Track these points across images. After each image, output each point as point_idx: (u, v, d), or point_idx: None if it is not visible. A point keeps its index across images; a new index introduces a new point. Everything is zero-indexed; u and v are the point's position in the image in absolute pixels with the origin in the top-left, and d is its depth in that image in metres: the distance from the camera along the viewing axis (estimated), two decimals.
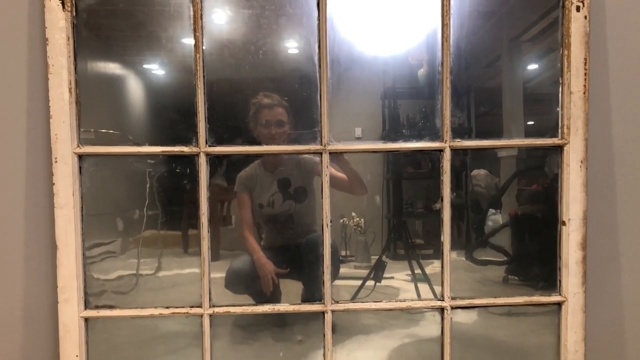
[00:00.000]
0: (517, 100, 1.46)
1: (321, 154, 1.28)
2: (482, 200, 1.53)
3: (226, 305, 1.30)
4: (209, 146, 1.27)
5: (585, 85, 1.27)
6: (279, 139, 1.36)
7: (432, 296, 1.40)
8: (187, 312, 1.28)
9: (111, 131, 1.36)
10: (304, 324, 1.41)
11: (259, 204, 1.42)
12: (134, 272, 1.41)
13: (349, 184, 1.37)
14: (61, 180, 1.23)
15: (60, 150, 1.23)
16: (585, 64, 1.27)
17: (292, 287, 1.45)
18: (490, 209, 1.56)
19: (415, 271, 1.54)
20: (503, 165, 1.52)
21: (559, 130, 1.30)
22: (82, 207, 1.26)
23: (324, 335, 1.30)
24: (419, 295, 1.49)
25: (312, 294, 1.36)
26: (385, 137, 1.46)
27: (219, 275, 1.36)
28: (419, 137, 1.34)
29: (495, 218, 1.58)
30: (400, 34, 1.37)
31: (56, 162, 1.23)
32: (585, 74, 1.27)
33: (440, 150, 1.29)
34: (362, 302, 1.35)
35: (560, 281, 1.32)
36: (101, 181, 1.30)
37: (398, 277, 1.57)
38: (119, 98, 1.39)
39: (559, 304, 1.32)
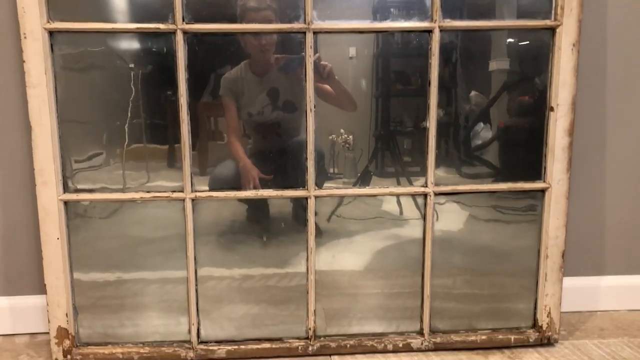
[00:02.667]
0: (510, 11, 1.40)
1: (305, 33, 1.22)
2: (471, 118, 1.50)
3: (208, 191, 1.28)
4: (186, 23, 1.21)
5: None
6: (269, 48, 1.30)
7: (415, 209, 1.39)
8: (169, 197, 1.27)
9: None
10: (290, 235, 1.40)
11: (248, 113, 1.37)
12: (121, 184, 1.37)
13: (336, 99, 1.33)
14: (32, 58, 1.17)
15: (29, 26, 1.16)
16: None
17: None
18: (480, 124, 1.53)
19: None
20: (494, 79, 1.48)
21: (552, 12, 1.25)
22: (55, 87, 1.21)
23: (307, 220, 1.30)
24: (401, 208, 1.48)
25: (299, 199, 1.36)
26: (378, 55, 1.40)
27: (206, 188, 1.33)
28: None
29: (484, 134, 1.56)
30: None
31: (25, 38, 1.16)
32: None
33: (429, 31, 1.25)
34: (344, 188, 1.34)
35: (545, 168, 1.31)
36: (74, 62, 1.24)
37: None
38: None
39: (542, 191, 1.32)
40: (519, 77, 1.44)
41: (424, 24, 1.25)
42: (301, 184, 1.31)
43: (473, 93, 1.45)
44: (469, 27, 1.27)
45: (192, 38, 1.23)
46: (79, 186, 1.27)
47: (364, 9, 1.30)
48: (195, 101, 1.26)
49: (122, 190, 1.28)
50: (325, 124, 1.30)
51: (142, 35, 1.23)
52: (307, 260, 1.31)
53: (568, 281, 1.48)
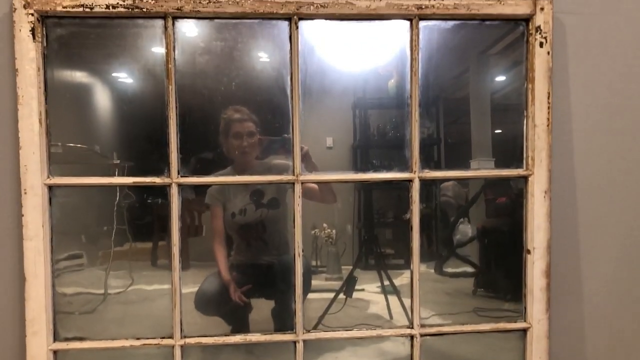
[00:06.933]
0: (485, 110, 1.50)
1: (293, 184, 1.29)
2: (451, 211, 1.56)
3: (197, 336, 1.30)
4: (182, 177, 1.27)
5: (548, 118, 1.31)
6: (250, 150, 1.38)
7: (401, 310, 1.42)
8: (159, 344, 1.28)
9: (79, 145, 1.35)
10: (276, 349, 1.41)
11: (232, 213, 1.42)
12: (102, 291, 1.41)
13: (319, 194, 1.39)
14: (30, 212, 1.22)
15: (29, 182, 1.22)
16: (548, 97, 1.31)
17: (262, 303, 1.45)
18: (459, 220, 1.59)
19: (385, 283, 1.56)
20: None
21: (524, 162, 1.34)
22: (51, 239, 1.25)
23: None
24: (389, 308, 1.49)
25: (283, 310, 1.39)
26: (357, 147, 1.48)
27: (189, 290, 1.35)
28: (390, 162, 1.38)
29: (464, 228, 1.61)
30: (371, 53, 1.39)
31: (25, 193, 1.22)
32: (548, 108, 1.31)
33: (410, 181, 1.32)
34: (333, 330, 1.36)
35: (525, 308, 1.36)
36: (70, 209, 1.30)
37: (368, 289, 1.59)
38: (88, 113, 1.39)
39: (524, 330, 1.36)
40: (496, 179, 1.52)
41: (404, 175, 1.33)
42: (288, 312, 1.32)
43: (451, 182, 1.51)
44: (447, 177, 1.36)
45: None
46: (69, 334, 1.28)
47: (346, 140, 1.41)
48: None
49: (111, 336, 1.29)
50: (307, 217, 1.31)
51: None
52: None
53: None
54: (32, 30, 1.20)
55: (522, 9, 1.29)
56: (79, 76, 1.36)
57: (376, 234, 1.59)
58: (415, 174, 1.31)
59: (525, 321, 1.36)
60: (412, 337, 1.35)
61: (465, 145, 1.49)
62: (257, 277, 1.46)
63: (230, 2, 1.22)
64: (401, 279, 1.55)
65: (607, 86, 1.39)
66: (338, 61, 1.40)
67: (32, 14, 1.20)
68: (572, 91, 1.38)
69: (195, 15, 1.24)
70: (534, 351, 1.34)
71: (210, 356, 1.37)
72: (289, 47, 1.27)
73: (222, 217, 1.42)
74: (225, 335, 1.31)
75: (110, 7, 1.21)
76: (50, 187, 1.25)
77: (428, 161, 1.37)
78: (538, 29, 1.30)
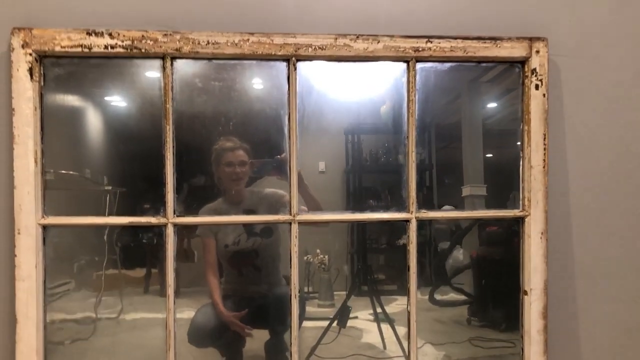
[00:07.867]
0: (477, 137, 1.51)
1: (290, 224, 1.29)
2: (444, 237, 1.56)
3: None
4: (177, 216, 1.27)
5: (544, 160, 1.32)
6: (244, 177, 1.38)
7: (394, 339, 1.40)
8: None
9: (71, 172, 1.35)
10: None
11: (225, 245, 1.42)
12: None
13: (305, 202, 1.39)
14: (24, 252, 1.20)
15: (23, 222, 1.20)
16: (544, 139, 1.32)
17: (255, 333, 1.44)
18: (452, 248, 1.59)
19: (378, 310, 1.54)
20: (467, 204, 1.56)
21: (520, 203, 1.34)
22: (44, 280, 1.23)
23: None
24: (382, 338, 1.48)
25: (277, 341, 1.39)
26: (349, 172, 1.48)
27: (181, 316, 1.33)
28: (383, 187, 1.38)
29: (457, 256, 1.60)
30: (366, 84, 1.40)
31: (19, 233, 1.20)
32: (544, 149, 1.32)
33: (407, 221, 1.32)
34: None
35: (522, 349, 1.35)
36: (62, 241, 1.29)
37: (362, 317, 1.58)
38: (81, 143, 1.39)
39: None
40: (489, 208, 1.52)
41: (402, 215, 1.32)
42: (282, 342, 1.33)
43: (447, 207, 1.50)
44: (444, 217, 1.35)
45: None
46: None
47: (339, 164, 1.41)
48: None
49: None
50: (300, 243, 1.29)
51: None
52: None
53: None
54: (30, 70, 1.20)
55: (518, 52, 1.31)
56: (75, 110, 1.36)
57: (369, 261, 1.59)
58: (413, 214, 1.31)
59: None
60: None
61: (457, 170, 1.50)
62: (250, 307, 1.44)
63: (228, 44, 1.23)
64: (394, 306, 1.54)
65: (602, 128, 1.40)
66: (334, 94, 1.41)
67: (31, 54, 1.20)
68: (567, 132, 1.39)
69: (194, 56, 1.24)
70: None
71: None
72: (287, 88, 1.28)
73: (215, 249, 1.41)
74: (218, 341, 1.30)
75: (109, 48, 1.21)
76: (45, 227, 1.23)
77: (420, 186, 1.37)
78: (534, 71, 1.31)
